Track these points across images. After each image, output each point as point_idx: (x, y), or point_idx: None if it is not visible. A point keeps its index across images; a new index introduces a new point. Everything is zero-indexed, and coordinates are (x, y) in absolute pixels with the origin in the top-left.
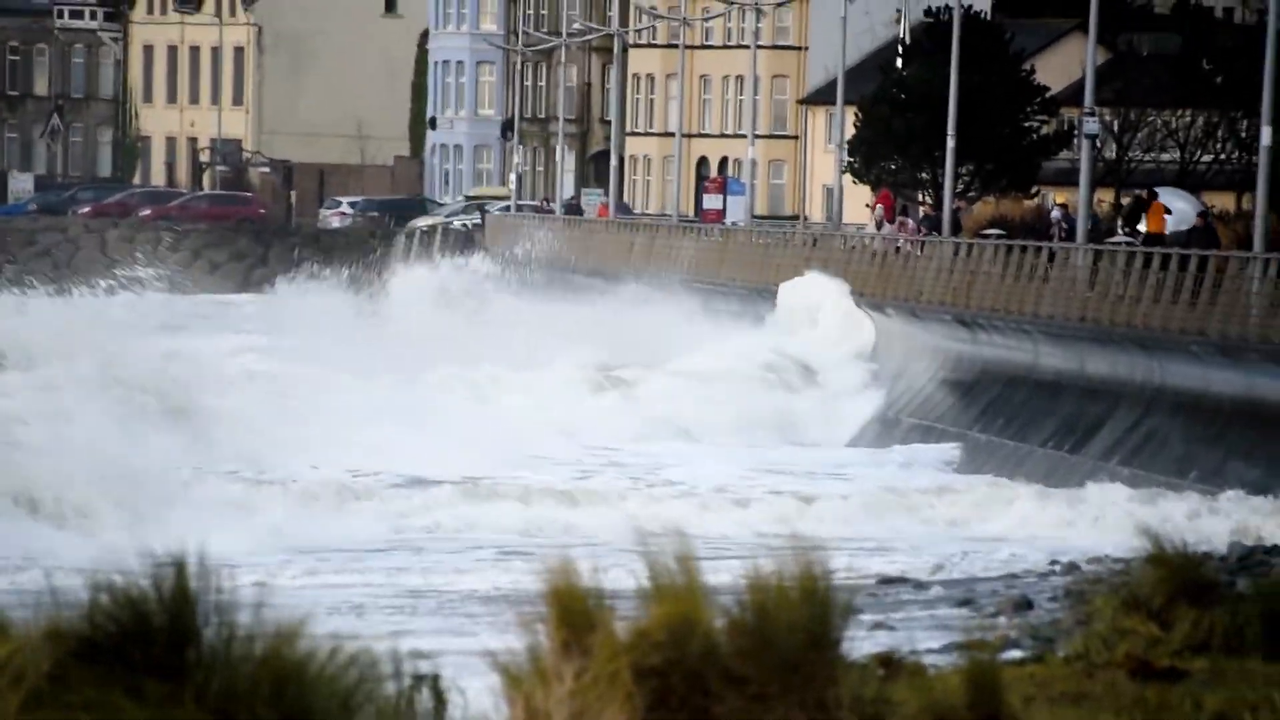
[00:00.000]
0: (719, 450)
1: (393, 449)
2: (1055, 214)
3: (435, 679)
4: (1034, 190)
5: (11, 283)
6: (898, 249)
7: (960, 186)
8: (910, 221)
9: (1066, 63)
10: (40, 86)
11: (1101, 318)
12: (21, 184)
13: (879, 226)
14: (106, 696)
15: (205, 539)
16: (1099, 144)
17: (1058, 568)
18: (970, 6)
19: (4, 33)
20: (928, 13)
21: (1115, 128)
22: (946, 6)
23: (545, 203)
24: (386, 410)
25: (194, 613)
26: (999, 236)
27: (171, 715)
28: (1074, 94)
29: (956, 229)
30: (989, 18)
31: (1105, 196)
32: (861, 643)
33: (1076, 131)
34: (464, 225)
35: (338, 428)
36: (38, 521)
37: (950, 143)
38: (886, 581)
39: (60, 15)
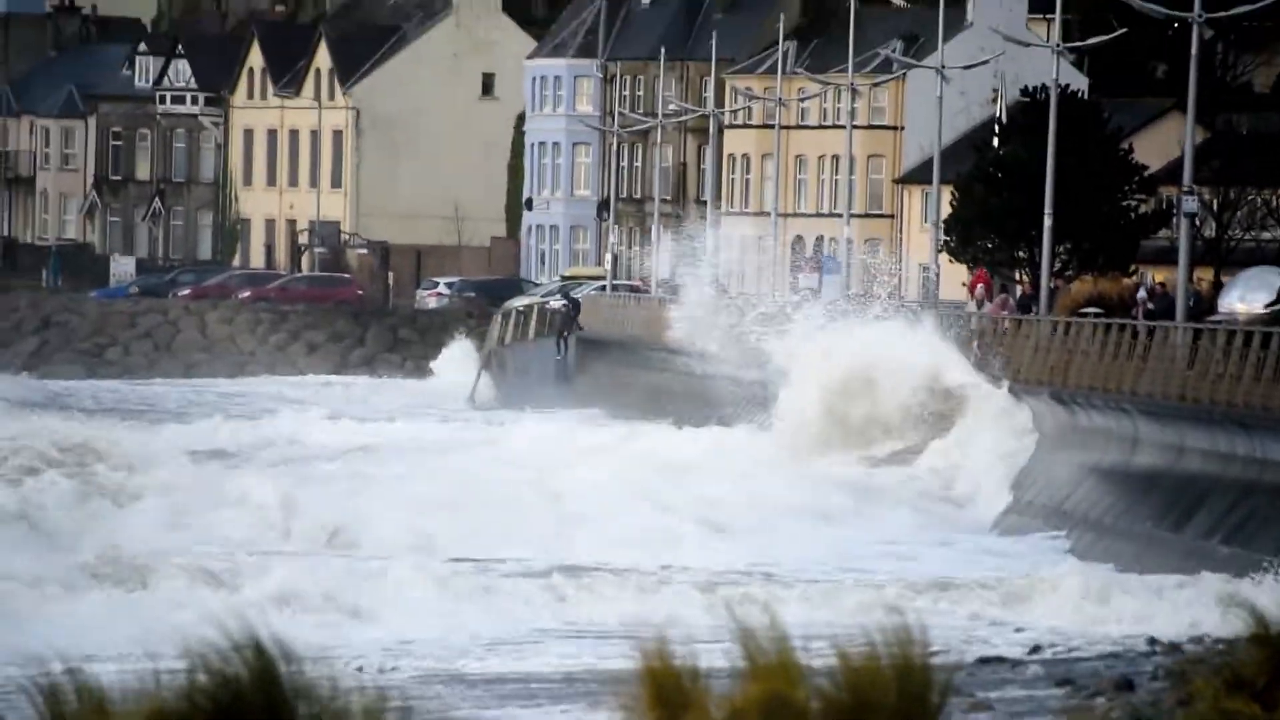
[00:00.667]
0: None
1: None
2: (1141, 294)
3: None
4: (1132, 269)
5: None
6: (996, 329)
7: (1057, 265)
8: (1011, 300)
9: (1165, 142)
10: (142, 171)
11: (1201, 396)
12: (123, 267)
13: (979, 305)
14: None
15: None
16: (1198, 222)
17: (1159, 647)
18: (1068, 85)
19: (108, 118)
20: (1024, 92)
21: (1214, 206)
22: (1043, 86)
23: (643, 283)
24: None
25: (284, 693)
26: (1097, 315)
27: None
28: (1172, 173)
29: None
30: (1085, 97)
31: (1205, 275)
32: None
33: (1175, 210)
34: (562, 304)
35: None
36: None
37: (1047, 221)
38: (984, 661)
39: (163, 100)
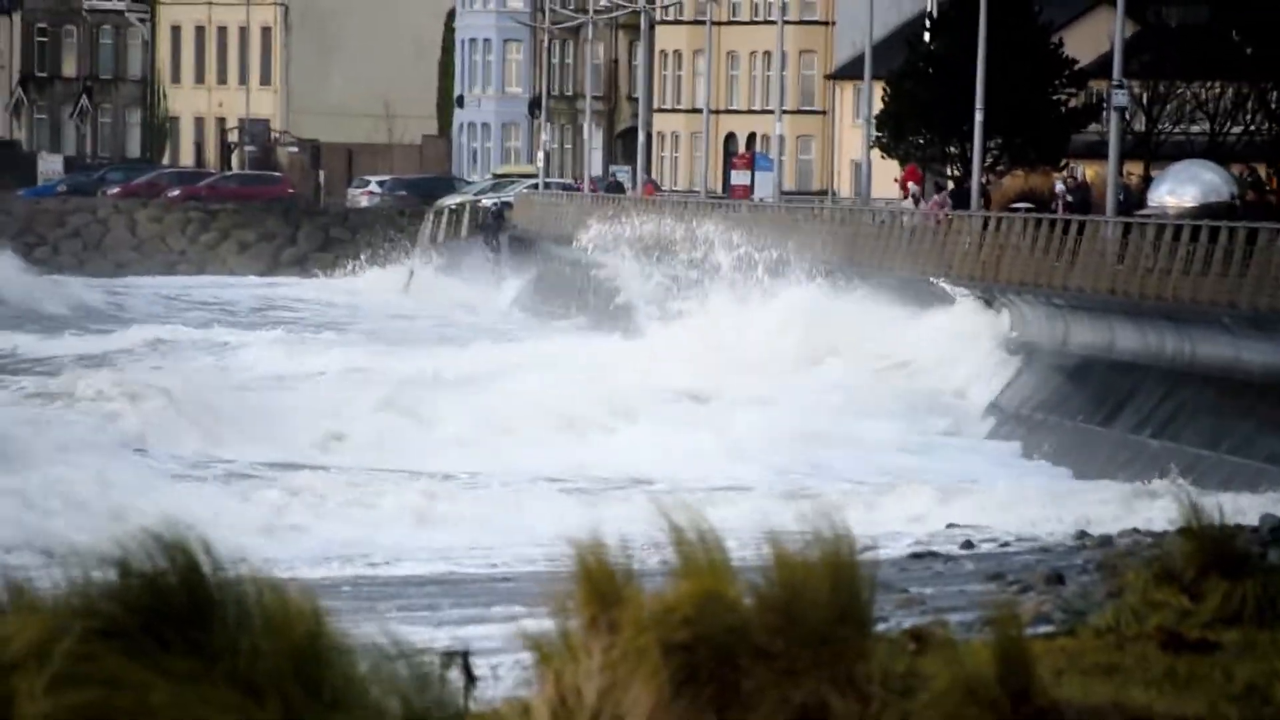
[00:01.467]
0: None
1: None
2: (1059, 188)
3: (465, 655)
4: (1063, 163)
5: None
6: (938, 222)
7: (989, 160)
8: (947, 197)
9: (1095, 35)
10: (69, 68)
11: (1131, 291)
12: (51, 165)
13: (916, 203)
14: (135, 674)
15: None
16: (1128, 116)
17: (1088, 541)
18: None
19: (32, 14)
20: None
21: (1144, 100)
22: None
23: (576, 181)
24: None
25: (213, 593)
26: (1028, 210)
27: (200, 692)
28: (1103, 67)
29: (985, 203)
30: None
31: (1135, 169)
32: (891, 618)
33: (1105, 104)
34: (493, 204)
35: None
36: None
37: (978, 116)
38: (916, 556)
39: None
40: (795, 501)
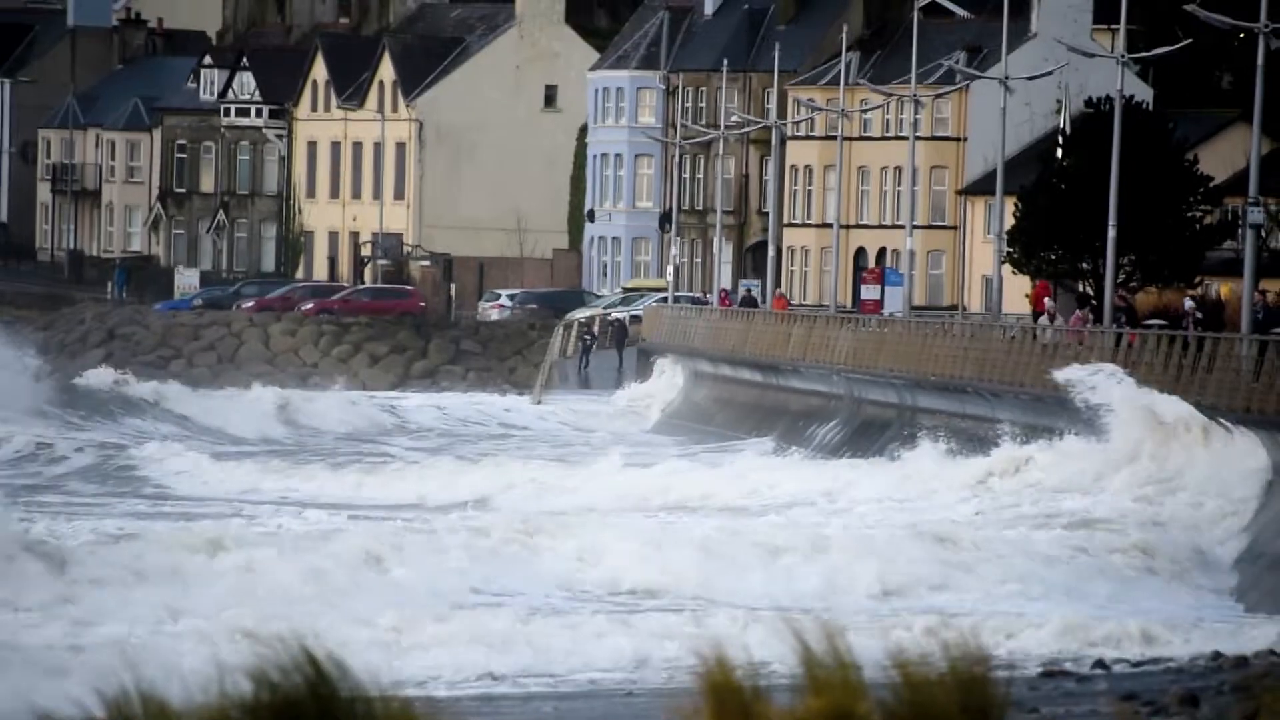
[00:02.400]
0: None
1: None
2: (1188, 304)
3: None
4: (1197, 280)
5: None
6: (1118, 343)
7: (1121, 277)
8: (1089, 315)
9: (1230, 153)
10: (207, 183)
11: (1268, 407)
12: (187, 279)
13: (1052, 319)
14: None
15: None
16: (1264, 233)
17: (1223, 662)
18: (1132, 96)
19: (173, 131)
20: (1088, 103)
21: None
22: (1108, 96)
23: (704, 295)
24: None
25: (343, 709)
26: (1161, 327)
27: None
28: (1238, 184)
29: (1132, 320)
30: (1150, 108)
31: (1271, 286)
32: None
33: (1241, 221)
34: (621, 317)
35: None
36: None
37: (1111, 232)
38: (1048, 675)
39: (227, 113)
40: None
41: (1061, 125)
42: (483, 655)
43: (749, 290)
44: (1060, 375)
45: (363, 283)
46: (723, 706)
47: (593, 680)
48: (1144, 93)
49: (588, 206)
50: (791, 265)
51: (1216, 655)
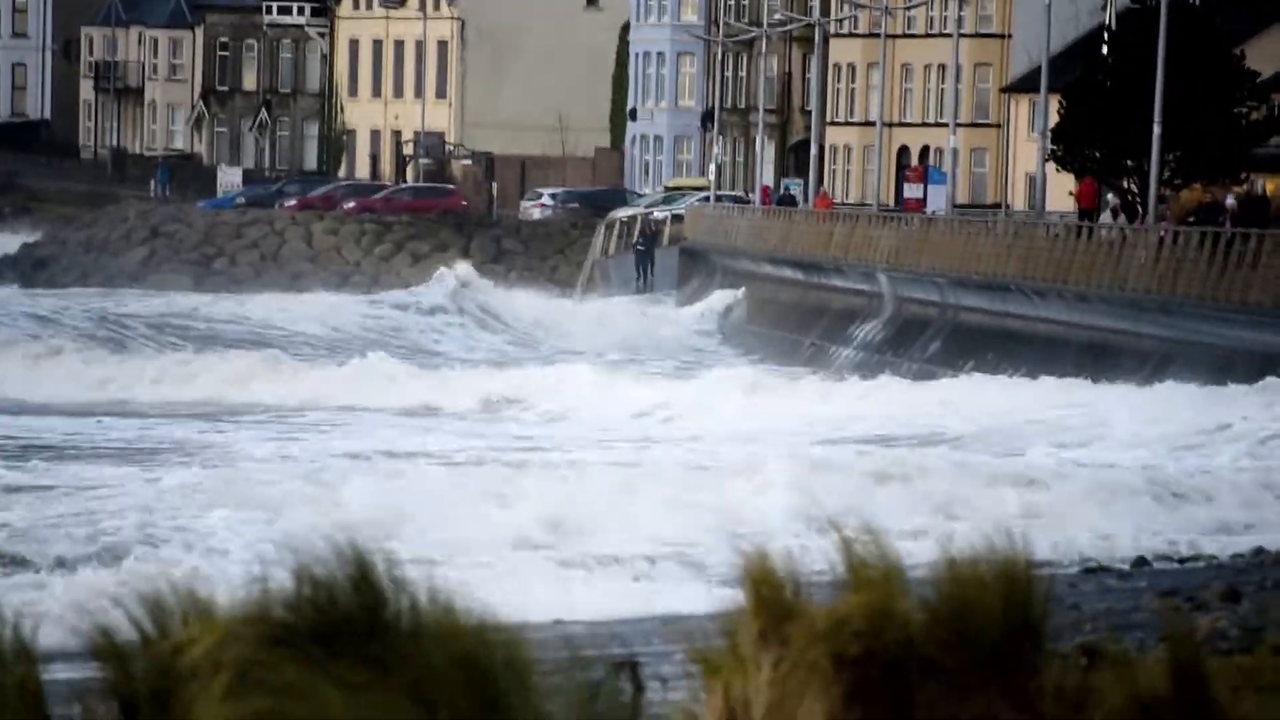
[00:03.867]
0: None
1: None
2: (1230, 201)
3: (634, 665)
4: (1243, 176)
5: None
6: (1160, 241)
7: (1166, 174)
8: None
9: (1277, 48)
10: (249, 82)
11: None
12: (230, 178)
13: (1115, 215)
14: (309, 682)
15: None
16: None
17: (1265, 557)
18: None
19: (215, 29)
20: None
21: None
22: None
23: (747, 194)
24: None
25: (386, 603)
26: (1194, 222)
27: (372, 700)
28: None
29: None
30: (1197, 3)
31: None
32: (1064, 632)
33: None
34: (664, 216)
35: None
36: None
37: (1156, 129)
38: (1088, 571)
39: (269, 11)
40: None
41: (1107, 21)
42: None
43: (787, 189)
44: None
45: (405, 181)
46: (764, 600)
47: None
48: None
49: (630, 105)
50: (834, 164)
51: (1259, 551)
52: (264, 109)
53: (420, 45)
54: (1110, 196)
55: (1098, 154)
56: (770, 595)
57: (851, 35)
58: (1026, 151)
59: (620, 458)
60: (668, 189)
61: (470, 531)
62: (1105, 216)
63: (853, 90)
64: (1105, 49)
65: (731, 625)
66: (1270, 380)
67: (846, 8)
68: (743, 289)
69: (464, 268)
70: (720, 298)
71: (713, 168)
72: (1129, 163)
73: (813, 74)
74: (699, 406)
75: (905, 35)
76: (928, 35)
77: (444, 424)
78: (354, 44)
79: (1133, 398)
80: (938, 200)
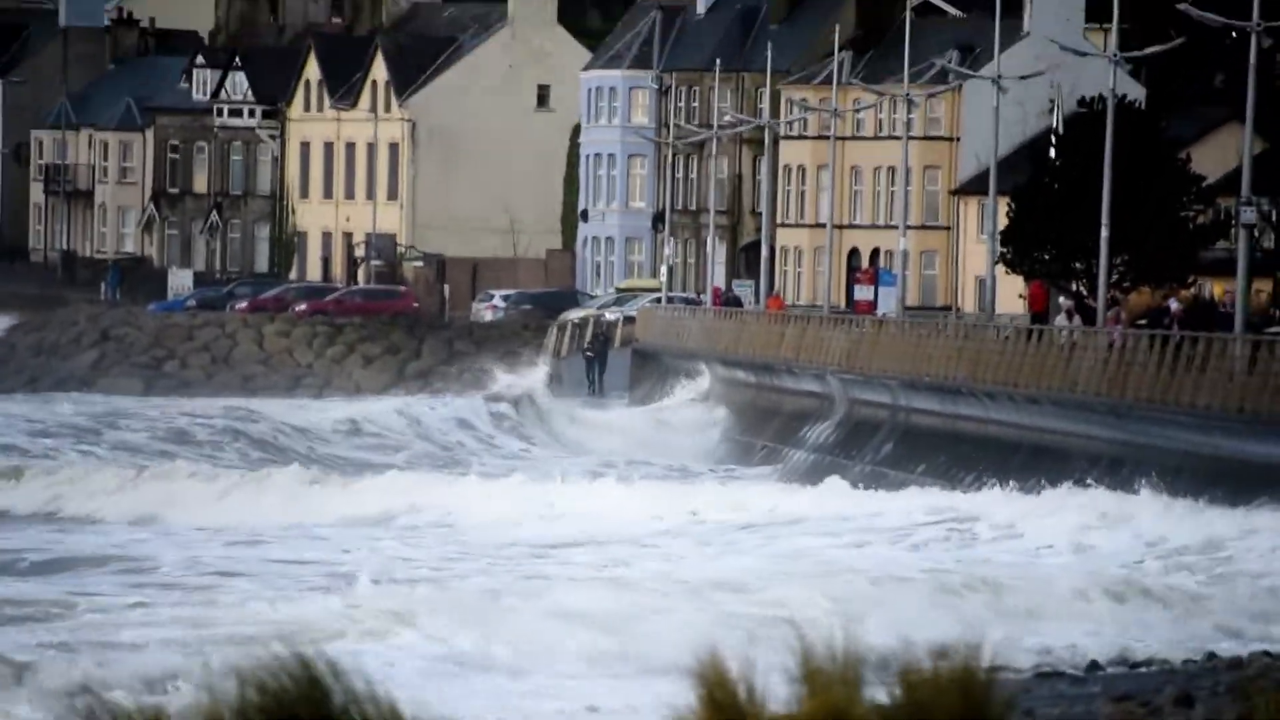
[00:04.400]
0: None
1: None
2: (1174, 305)
3: None
4: (1190, 280)
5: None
6: (1110, 345)
7: (1115, 276)
8: (1122, 313)
9: (1223, 152)
10: (200, 183)
11: (1261, 407)
12: (181, 280)
13: (1069, 318)
14: None
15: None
16: (1257, 233)
17: (1218, 662)
18: (1125, 95)
19: (165, 131)
20: (1081, 103)
21: (1274, 217)
22: (1100, 96)
23: (699, 295)
24: None
25: (335, 710)
26: (1142, 326)
27: None
28: (1231, 183)
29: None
30: (1143, 107)
31: (1264, 286)
32: None
33: (1234, 221)
34: (616, 317)
35: None
36: None
37: (1104, 232)
38: (1043, 676)
39: (220, 113)
40: None
41: (1054, 125)
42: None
43: (733, 290)
44: None
45: (356, 283)
46: (715, 702)
47: None
48: (1137, 92)
49: (581, 206)
50: (785, 265)
51: (1211, 655)
52: (215, 211)
53: (371, 147)
54: (1063, 299)
55: (1047, 256)
56: (723, 699)
57: (801, 137)
58: (976, 253)
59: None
60: (619, 290)
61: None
62: (1060, 319)
63: (803, 192)
64: (1053, 152)
65: None
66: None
67: (796, 109)
68: (706, 383)
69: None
70: (684, 395)
71: (664, 269)
72: (1078, 265)
73: (763, 176)
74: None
75: (855, 137)
76: (877, 138)
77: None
78: (305, 146)
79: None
80: (888, 302)
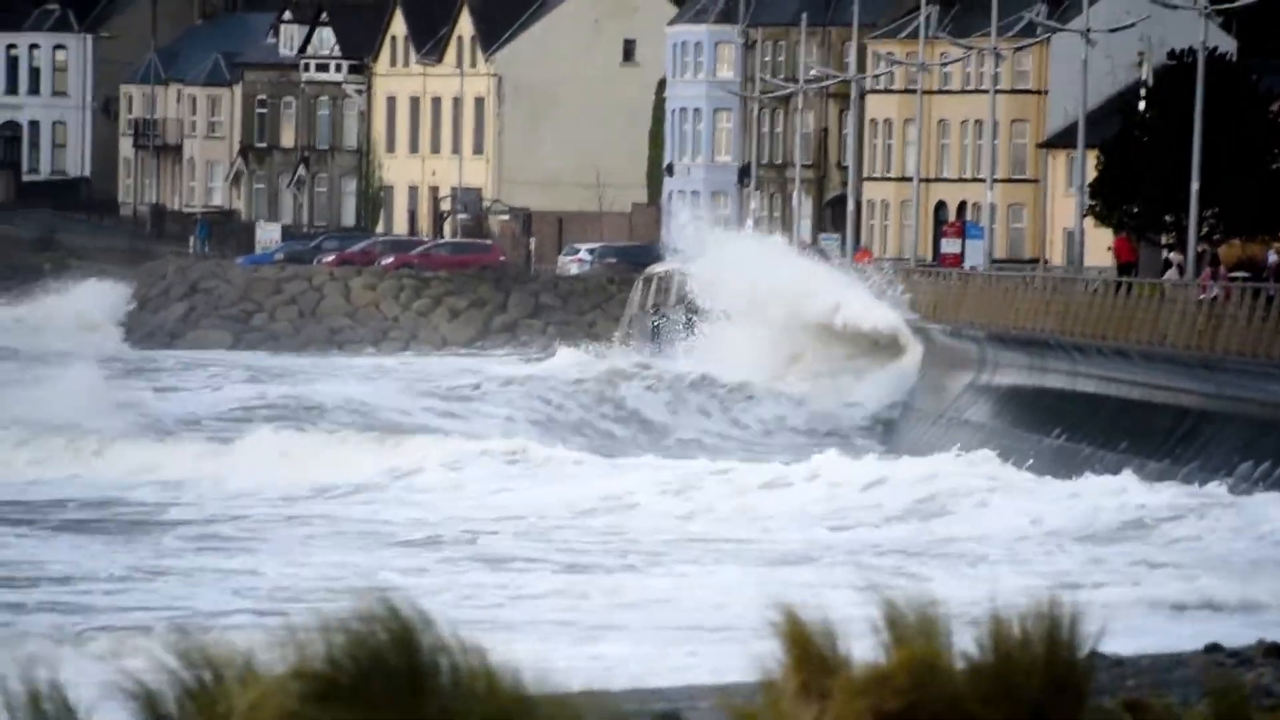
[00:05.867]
0: None
1: None
2: (1272, 258)
3: (676, 718)
4: None
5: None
6: (1214, 298)
7: (1204, 230)
8: (1221, 268)
9: None
10: (287, 138)
11: None
12: (269, 234)
13: (1181, 273)
14: None
15: None
16: None
17: None
18: (1215, 48)
19: (253, 86)
20: (1171, 55)
21: None
22: (1190, 49)
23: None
24: None
25: (423, 651)
26: (1245, 279)
27: None
28: None
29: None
30: (1234, 59)
31: None
32: (1107, 687)
33: None
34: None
35: None
36: None
37: (1194, 185)
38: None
39: (306, 69)
40: None
41: (1144, 78)
42: None
43: (820, 244)
44: None
45: (442, 237)
46: (803, 655)
47: None
48: (1227, 44)
49: (666, 161)
50: (871, 219)
51: None
52: (302, 165)
53: (457, 102)
54: (1174, 255)
55: (1136, 209)
56: (810, 650)
57: (888, 91)
58: (1064, 207)
59: None
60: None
61: None
62: (1172, 274)
63: (889, 146)
64: (1142, 105)
65: (771, 680)
66: None
67: (883, 64)
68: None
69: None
70: None
71: (750, 222)
72: (1167, 218)
73: (849, 130)
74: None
75: (941, 91)
76: (964, 91)
77: None
78: (391, 101)
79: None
80: (975, 255)
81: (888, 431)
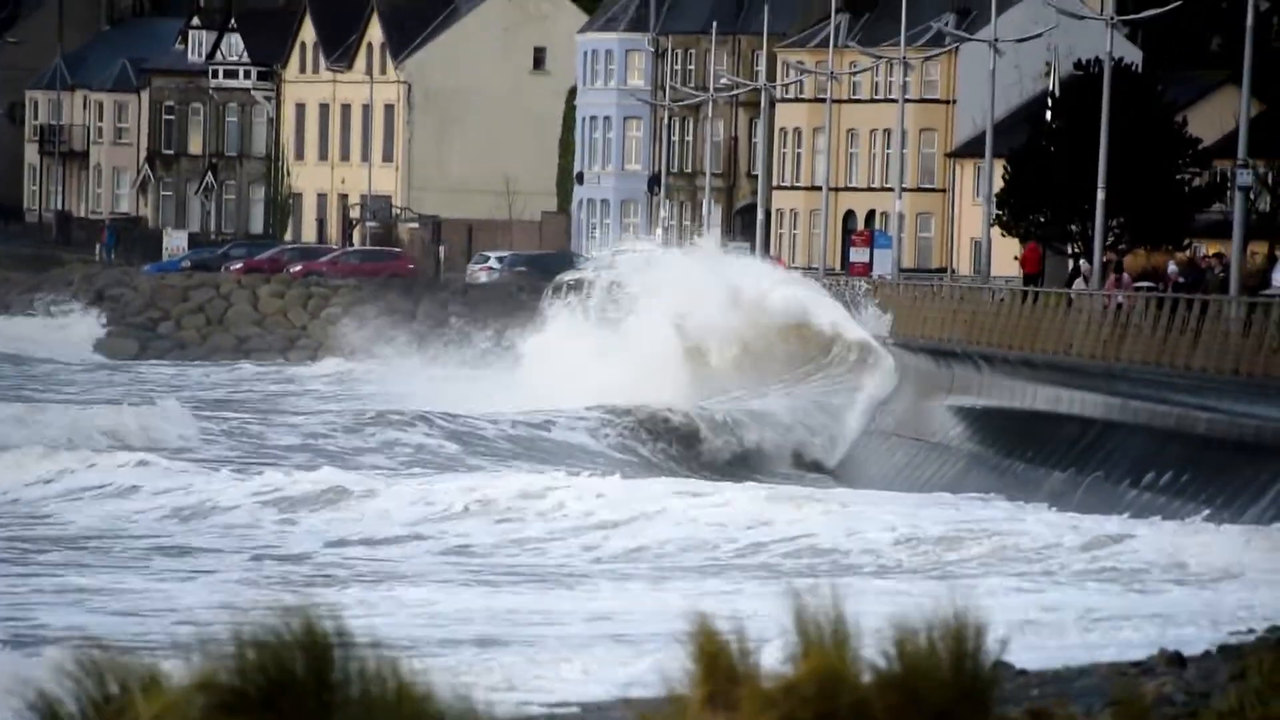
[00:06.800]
0: None
1: None
2: (1171, 268)
3: None
4: (1186, 242)
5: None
6: (1119, 306)
7: (1110, 239)
8: (1125, 276)
9: (1219, 115)
10: (195, 145)
11: (1255, 369)
12: (176, 241)
13: (1087, 281)
14: None
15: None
16: (1252, 196)
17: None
18: (1121, 59)
19: (161, 92)
20: (1078, 65)
21: (1269, 179)
22: (1097, 59)
23: None
24: None
25: (334, 664)
26: (1150, 289)
27: None
28: (1227, 146)
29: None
30: (1139, 70)
31: (1259, 249)
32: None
33: (1229, 183)
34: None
35: None
36: None
37: (1100, 194)
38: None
39: (215, 75)
40: None
41: (1051, 88)
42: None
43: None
44: None
45: (351, 245)
46: (711, 664)
47: None
48: (1133, 55)
49: (576, 169)
50: (780, 228)
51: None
52: (210, 172)
53: (367, 109)
54: (1083, 263)
55: (1043, 219)
56: (718, 661)
57: (797, 100)
58: (971, 216)
59: None
60: (615, 253)
61: None
62: (1078, 284)
63: (799, 154)
64: (1049, 115)
65: (676, 687)
66: None
67: (792, 72)
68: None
69: None
70: None
71: (659, 231)
72: (1073, 227)
73: (759, 138)
74: None
75: (851, 100)
76: (873, 100)
77: None
78: (300, 108)
79: None
80: (884, 264)
81: None
